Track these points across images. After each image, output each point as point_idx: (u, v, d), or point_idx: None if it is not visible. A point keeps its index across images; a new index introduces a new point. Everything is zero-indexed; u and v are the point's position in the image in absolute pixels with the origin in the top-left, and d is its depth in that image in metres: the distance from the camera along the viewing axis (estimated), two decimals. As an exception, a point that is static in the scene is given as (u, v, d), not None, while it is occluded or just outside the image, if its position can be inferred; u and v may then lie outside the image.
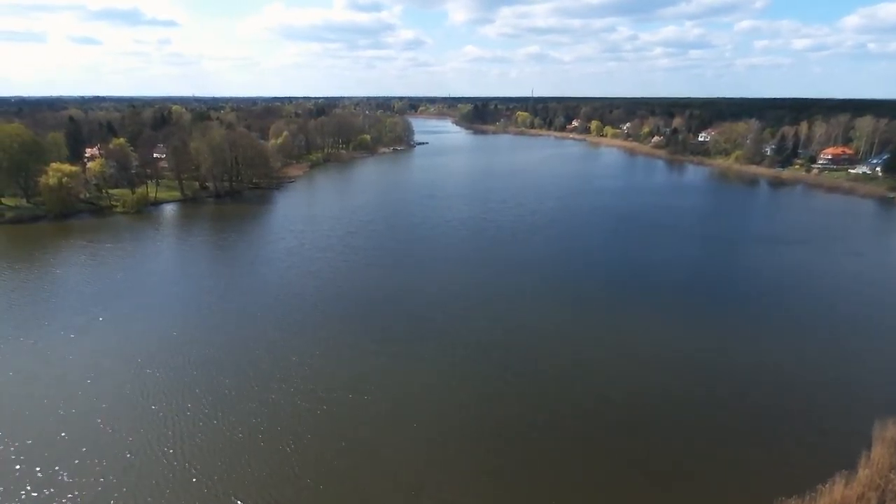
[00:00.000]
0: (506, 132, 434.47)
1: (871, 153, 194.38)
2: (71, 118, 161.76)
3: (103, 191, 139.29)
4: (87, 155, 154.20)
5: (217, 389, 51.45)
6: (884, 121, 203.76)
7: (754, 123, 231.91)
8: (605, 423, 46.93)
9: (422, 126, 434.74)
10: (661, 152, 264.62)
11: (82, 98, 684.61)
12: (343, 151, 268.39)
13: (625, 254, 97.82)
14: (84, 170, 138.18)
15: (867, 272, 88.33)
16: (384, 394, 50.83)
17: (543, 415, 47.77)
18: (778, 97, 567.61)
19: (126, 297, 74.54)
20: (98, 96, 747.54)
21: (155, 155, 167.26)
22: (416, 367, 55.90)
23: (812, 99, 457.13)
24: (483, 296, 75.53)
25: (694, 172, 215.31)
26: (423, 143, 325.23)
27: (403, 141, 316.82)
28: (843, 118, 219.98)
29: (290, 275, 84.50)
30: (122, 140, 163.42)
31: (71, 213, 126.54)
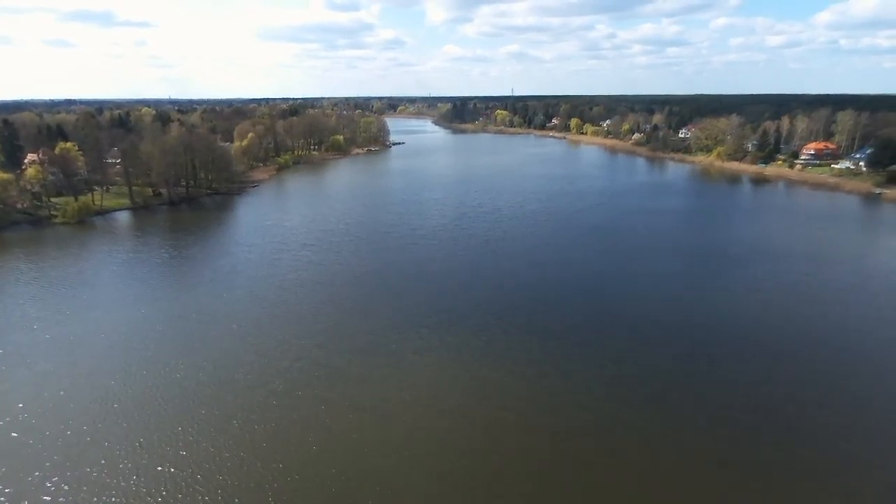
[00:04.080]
0: (485, 131, 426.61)
1: (852, 147, 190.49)
2: (5, 121, 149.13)
3: (44, 199, 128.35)
4: (26, 161, 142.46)
5: (86, 471, 40.85)
6: (865, 115, 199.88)
7: (735, 119, 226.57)
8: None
9: (400, 125, 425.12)
10: (642, 150, 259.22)
11: (52, 101, 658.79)
12: (315, 153, 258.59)
13: (599, 279, 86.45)
14: (20, 177, 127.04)
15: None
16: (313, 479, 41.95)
17: None
18: (757, 93, 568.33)
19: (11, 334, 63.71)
20: (69, 99, 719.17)
21: (109, 160, 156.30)
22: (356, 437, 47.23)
23: (791, 94, 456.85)
24: (446, 330, 65.63)
25: (675, 170, 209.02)
26: (400, 144, 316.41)
27: (379, 141, 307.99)
28: (825, 112, 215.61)
29: (228, 298, 74.64)
30: (69, 144, 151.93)
31: (5, 225, 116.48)
